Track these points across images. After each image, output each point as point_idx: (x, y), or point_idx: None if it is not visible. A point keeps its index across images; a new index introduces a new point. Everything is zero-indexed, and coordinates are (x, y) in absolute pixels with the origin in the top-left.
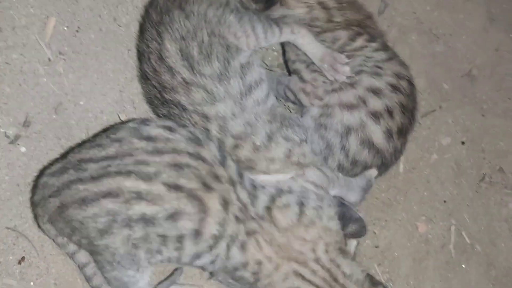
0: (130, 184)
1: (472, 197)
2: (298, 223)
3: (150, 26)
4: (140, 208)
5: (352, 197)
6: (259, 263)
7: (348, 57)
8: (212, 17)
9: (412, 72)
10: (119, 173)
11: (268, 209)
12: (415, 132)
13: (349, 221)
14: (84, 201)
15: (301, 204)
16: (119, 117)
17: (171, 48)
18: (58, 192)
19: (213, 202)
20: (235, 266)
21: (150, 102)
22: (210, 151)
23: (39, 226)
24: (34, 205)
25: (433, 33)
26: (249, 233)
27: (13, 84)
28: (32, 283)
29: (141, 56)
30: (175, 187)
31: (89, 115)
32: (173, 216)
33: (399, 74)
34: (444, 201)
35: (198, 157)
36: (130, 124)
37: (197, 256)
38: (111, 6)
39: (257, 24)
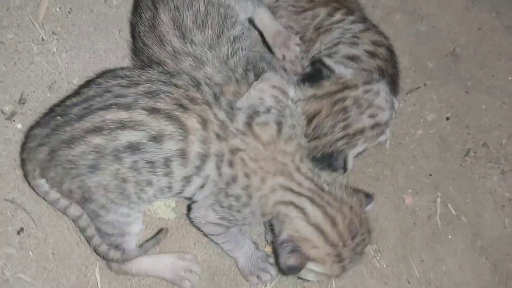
0: (112, 115)
1: (457, 171)
2: (278, 138)
3: None
4: (125, 137)
5: None
6: (247, 175)
7: (327, 30)
8: None
9: (396, 51)
10: (100, 108)
11: (248, 125)
12: (400, 109)
13: None
14: (71, 141)
15: (279, 123)
16: None
17: (164, 18)
18: (47, 139)
19: (191, 121)
20: (226, 181)
21: None
22: (183, 80)
23: (29, 184)
24: (23, 162)
25: (417, 13)
26: (233, 151)
27: (9, 63)
28: (31, 253)
29: (133, 30)
30: (154, 111)
31: None
32: (157, 138)
33: (377, 42)
34: (430, 175)
35: (171, 83)
36: (108, 72)
37: (188, 180)
38: None
39: None
